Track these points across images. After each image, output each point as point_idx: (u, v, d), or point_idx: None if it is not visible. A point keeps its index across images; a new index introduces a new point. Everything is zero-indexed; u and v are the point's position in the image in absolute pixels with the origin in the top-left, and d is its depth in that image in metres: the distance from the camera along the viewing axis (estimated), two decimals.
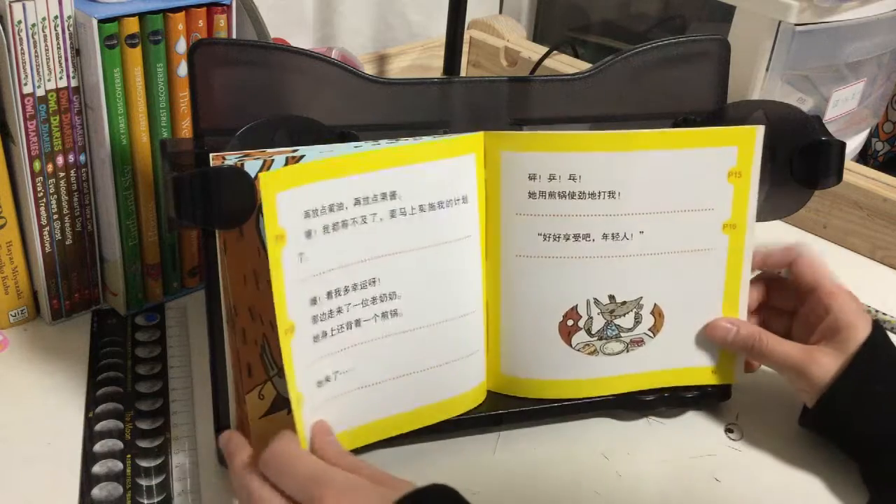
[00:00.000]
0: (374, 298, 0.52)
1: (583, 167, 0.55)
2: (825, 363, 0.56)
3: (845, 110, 1.02)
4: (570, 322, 0.58)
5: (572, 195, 0.56)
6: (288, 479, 0.46)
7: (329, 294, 0.50)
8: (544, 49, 1.05)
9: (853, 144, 1.10)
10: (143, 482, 0.54)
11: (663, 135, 0.57)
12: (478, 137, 0.55)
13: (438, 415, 0.57)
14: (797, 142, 0.62)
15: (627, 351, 0.60)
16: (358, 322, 0.52)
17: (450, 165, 0.54)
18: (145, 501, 0.53)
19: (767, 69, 0.91)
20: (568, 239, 0.57)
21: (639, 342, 0.60)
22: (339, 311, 0.51)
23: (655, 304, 0.59)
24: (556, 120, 0.60)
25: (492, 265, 0.57)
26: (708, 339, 0.61)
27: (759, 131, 0.58)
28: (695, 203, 0.58)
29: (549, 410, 0.60)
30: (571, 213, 0.56)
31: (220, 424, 0.56)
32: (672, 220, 0.58)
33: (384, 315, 0.53)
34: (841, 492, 0.57)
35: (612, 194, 0.56)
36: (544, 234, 0.56)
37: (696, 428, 0.62)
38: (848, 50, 0.95)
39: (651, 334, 0.60)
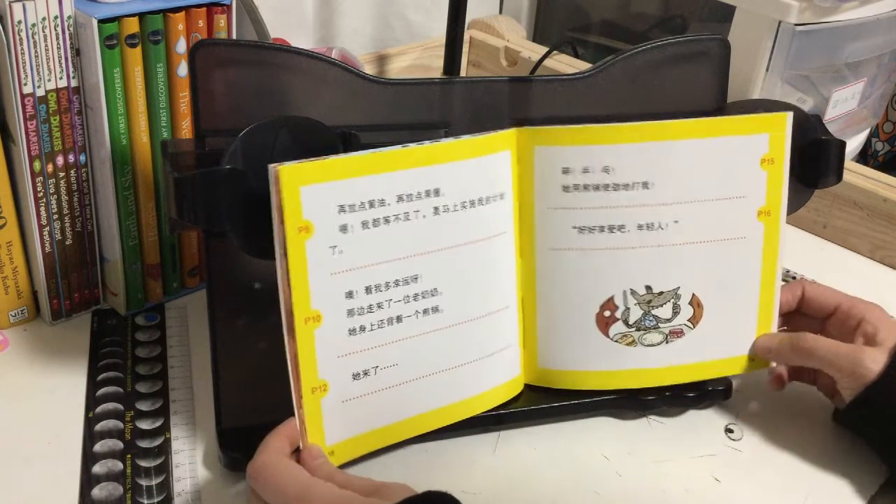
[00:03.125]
0: (415, 295, 0.53)
1: (616, 159, 0.56)
2: (877, 356, 0.56)
3: (845, 110, 1.02)
4: (606, 313, 0.59)
5: (606, 187, 0.57)
6: (273, 493, 0.46)
7: (368, 289, 0.51)
8: (544, 49, 1.05)
9: (853, 144, 1.10)
10: (143, 482, 0.54)
11: (695, 124, 0.58)
12: (511, 134, 0.56)
13: (474, 409, 0.57)
14: (797, 141, 0.62)
15: (667, 342, 0.60)
16: (399, 318, 0.52)
17: (488, 162, 0.55)
18: (145, 501, 0.53)
19: (767, 69, 0.91)
20: (602, 231, 0.57)
21: (679, 333, 0.60)
22: (380, 306, 0.51)
23: (693, 295, 0.59)
24: (556, 120, 0.60)
25: (526, 260, 0.58)
26: (747, 339, 0.61)
27: (789, 118, 0.59)
28: (729, 191, 0.59)
29: (549, 410, 0.60)
30: (605, 205, 0.57)
31: (221, 424, 0.56)
32: (707, 208, 0.58)
33: (425, 311, 0.53)
34: (841, 492, 0.57)
35: (645, 185, 0.57)
36: (579, 227, 0.57)
37: (696, 428, 0.62)
38: (848, 50, 0.95)
39: (691, 325, 0.60)
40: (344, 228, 0.49)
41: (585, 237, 0.57)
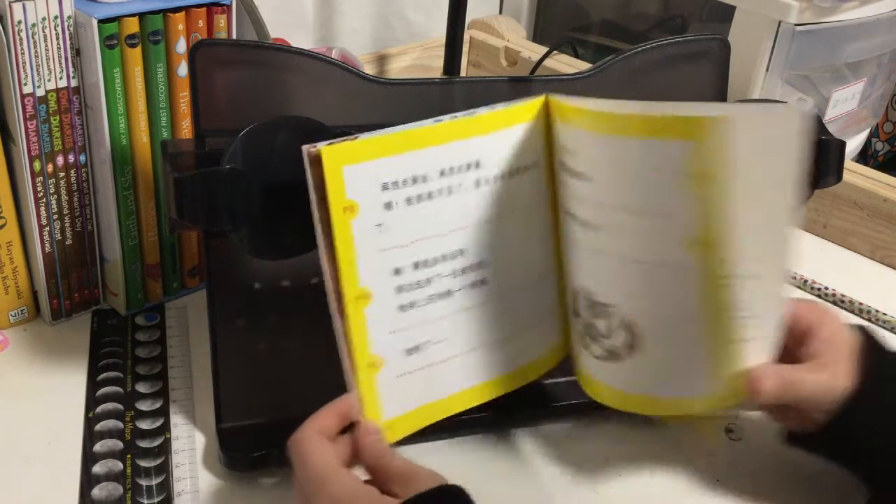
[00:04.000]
0: (462, 269, 0.53)
1: (580, 145, 0.52)
2: (845, 374, 0.52)
3: (845, 110, 1.02)
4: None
5: (573, 174, 0.53)
6: (301, 469, 0.46)
7: (416, 265, 0.51)
8: (544, 49, 1.05)
9: (853, 144, 1.10)
10: (143, 482, 0.54)
11: (621, 118, 0.49)
12: (541, 101, 0.54)
13: (521, 380, 0.58)
14: None
15: (605, 360, 0.54)
16: (449, 292, 0.53)
17: (523, 131, 0.54)
18: (145, 501, 0.53)
19: (767, 69, 0.92)
20: (568, 215, 0.54)
21: (616, 356, 0.53)
22: (429, 281, 0.52)
23: (625, 317, 0.52)
24: None
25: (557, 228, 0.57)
26: (696, 382, 0.53)
27: (738, 124, 0.46)
28: (649, 206, 0.49)
29: (549, 411, 0.60)
30: (571, 193, 0.53)
31: (221, 424, 0.56)
32: (633, 221, 0.50)
33: (472, 285, 0.53)
34: (840, 492, 0.57)
35: (587, 177, 0.51)
36: (564, 210, 0.55)
37: (696, 428, 0.62)
38: (848, 50, 0.95)
39: (626, 351, 0.53)
40: (388, 206, 0.49)
41: (566, 222, 0.55)
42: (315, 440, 0.47)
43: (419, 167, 0.50)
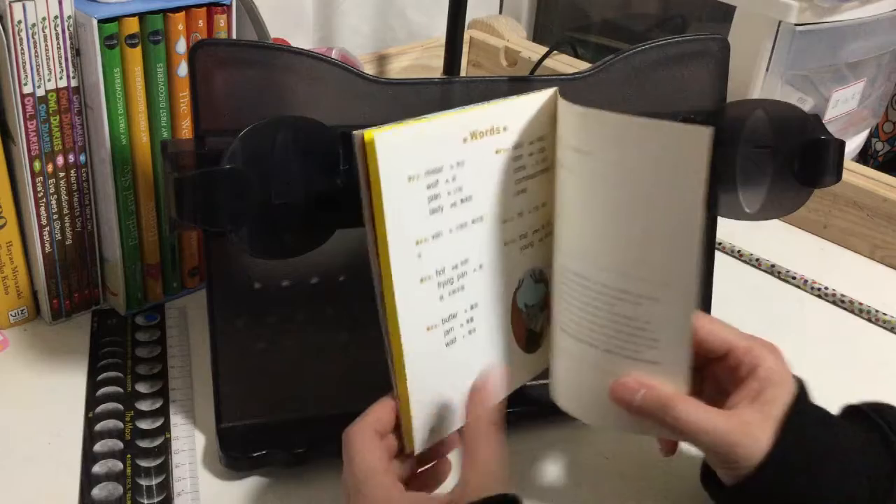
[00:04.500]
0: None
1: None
2: (759, 435, 0.47)
3: (845, 110, 1.02)
4: None
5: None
6: (347, 465, 0.46)
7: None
8: (544, 49, 1.05)
9: (853, 144, 1.10)
10: (143, 482, 0.54)
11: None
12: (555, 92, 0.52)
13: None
14: (797, 141, 0.62)
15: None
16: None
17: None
18: (145, 501, 0.53)
19: (767, 69, 0.92)
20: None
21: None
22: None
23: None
24: None
25: None
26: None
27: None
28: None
29: (549, 410, 0.60)
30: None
31: (221, 424, 0.56)
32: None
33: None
34: None
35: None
36: None
37: None
38: (848, 50, 0.96)
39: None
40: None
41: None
42: (366, 436, 0.47)
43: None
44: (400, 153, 0.45)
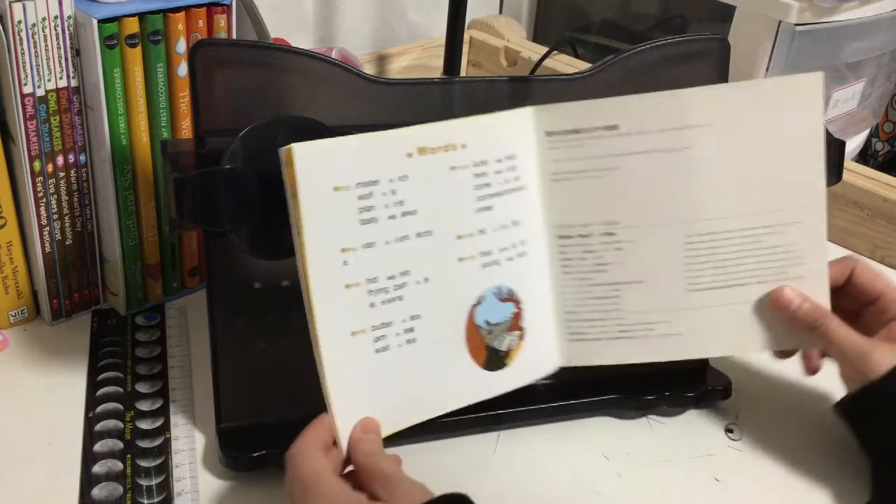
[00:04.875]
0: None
1: None
2: (886, 357, 0.55)
3: (845, 110, 1.02)
4: None
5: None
6: (291, 478, 0.46)
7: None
8: (544, 49, 1.05)
9: (853, 144, 1.10)
10: (143, 482, 0.54)
11: None
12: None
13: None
14: None
15: None
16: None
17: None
18: (145, 501, 0.53)
19: (767, 69, 0.92)
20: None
21: None
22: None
23: None
24: None
25: None
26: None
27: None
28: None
29: (548, 410, 0.60)
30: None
31: (221, 424, 0.56)
32: None
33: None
34: (840, 492, 0.57)
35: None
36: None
37: (696, 428, 0.62)
38: (848, 50, 0.96)
39: None
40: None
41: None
42: (311, 450, 0.47)
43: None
44: (323, 165, 0.47)
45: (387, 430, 0.51)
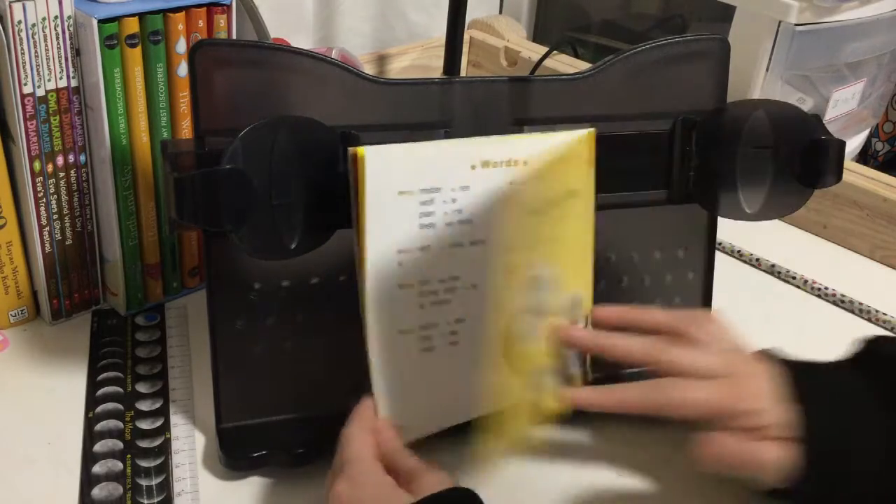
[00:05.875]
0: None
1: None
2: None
3: (845, 110, 1.02)
4: None
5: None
6: (339, 453, 0.49)
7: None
8: (544, 49, 1.05)
9: (853, 144, 1.10)
10: (143, 482, 0.54)
11: None
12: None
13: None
14: (797, 141, 0.62)
15: None
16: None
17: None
18: (145, 501, 0.53)
19: (767, 69, 0.92)
20: None
21: None
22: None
23: None
24: (556, 120, 0.60)
25: None
26: None
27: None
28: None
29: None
30: None
31: (221, 424, 0.56)
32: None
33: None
34: None
35: None
36: None
37: (696, 428, 0.62)
38: (848, 50, 0.95)
39: None
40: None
41: None
42: (352, 429, 0.50)
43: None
44: (391, 170, 0.49)
45: (422, 432, 0.53)
